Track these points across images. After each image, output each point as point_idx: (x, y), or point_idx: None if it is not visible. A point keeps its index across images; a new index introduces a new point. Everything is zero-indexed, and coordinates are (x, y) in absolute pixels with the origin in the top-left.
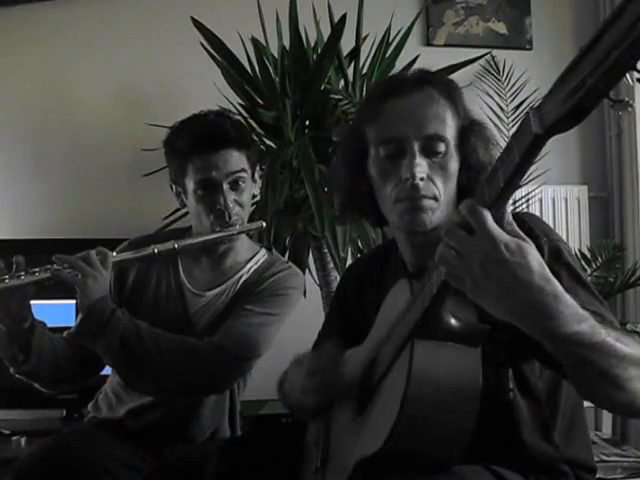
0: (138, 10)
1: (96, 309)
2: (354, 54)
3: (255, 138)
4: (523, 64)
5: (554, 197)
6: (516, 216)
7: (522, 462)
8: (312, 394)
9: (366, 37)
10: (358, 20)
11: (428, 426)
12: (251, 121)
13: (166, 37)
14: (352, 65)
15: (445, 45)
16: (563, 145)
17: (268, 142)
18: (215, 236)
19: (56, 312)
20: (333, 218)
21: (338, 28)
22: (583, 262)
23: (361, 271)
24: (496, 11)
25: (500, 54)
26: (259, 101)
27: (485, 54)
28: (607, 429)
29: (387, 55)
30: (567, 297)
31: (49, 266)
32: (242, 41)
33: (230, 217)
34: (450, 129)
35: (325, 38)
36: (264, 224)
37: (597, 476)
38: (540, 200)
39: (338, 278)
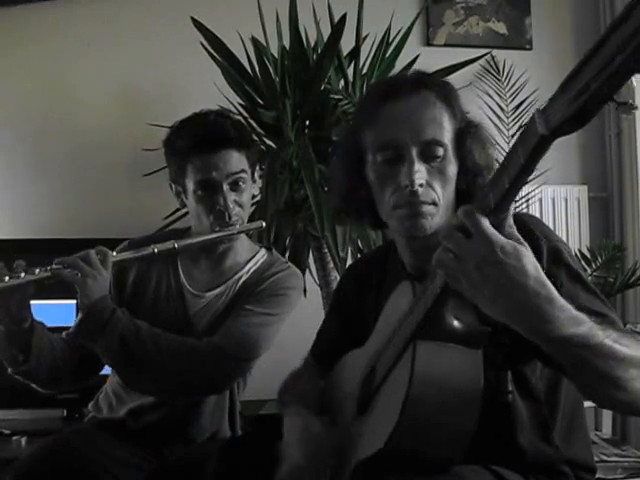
0: (138, 10)
1: (96, 309)
2: (354, 54)
3: (255, 138)
4: (523, 64)
5: (554, 197)
6: (515, 217)
7: (522, 463)
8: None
9: (366, 37)
10: (358, 20)
11: (430, 427)
12: (251, 121)
13: (166, 37)
14: (352, 65)
15: (445, 45)
16: (563, 145)
17: (268, 142)
18: (215, 236)
19: (56, 312)
20: (333, 218)
21: (338, 28)
22: (583, 262)
23: (361, 272)
24: (496, 11)
25: (500, 54)
26: (259, 101)
27: (485, 54)
28: (607, 429)
29: (387, 55)
30: (562, 301)
31: (49, 266)
32: (242, 41)
33: (230, 217)
34: (447, 133)
35: (325, 38)
36: (264, 224)
37: (597, 476)
38: (540, 200)
39: (338, 278)
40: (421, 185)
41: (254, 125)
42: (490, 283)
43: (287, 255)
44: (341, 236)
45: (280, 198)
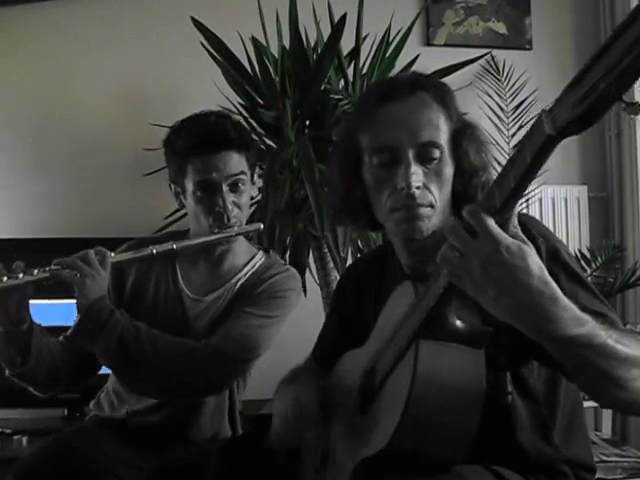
0: (138, 10)
1: (94, 309)
2: (354, 54)
3: (255, 138)
4: (523, 64)
5: (554, 197)
6: None
7: (522, 463)
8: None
9: (366, 37)
10: (358, 20)
11: (432, 427)
12: (251, 121)
13: (166, 37)
14: (352, 65)
15: (445, 45)
16: (563, 145)
17: (268, 142)
18: (213, 237)
19: (56, 312)
20: (333, 218)
21: (338, 28)
22: (583, 262)
23: (360, 272)
24: (496, 11)
25: (500, 54)
26: (259, 101)
27: (485, 54)
28: (607, 429)
29: (387, 55)
30: (566, 301)
31: (48, 267)
32: (242, 41)
33: (229, 219)
34: (444, 134)
35: (325, 38)
36: (262, 226)
37: (597, 476)
38: (540, 200)
39: (338, 278)
40: (418, 187)
41: (254, 125)
42: (494, 282)
43: (287, 255)
44: (341, 236)
45: (282, 199)
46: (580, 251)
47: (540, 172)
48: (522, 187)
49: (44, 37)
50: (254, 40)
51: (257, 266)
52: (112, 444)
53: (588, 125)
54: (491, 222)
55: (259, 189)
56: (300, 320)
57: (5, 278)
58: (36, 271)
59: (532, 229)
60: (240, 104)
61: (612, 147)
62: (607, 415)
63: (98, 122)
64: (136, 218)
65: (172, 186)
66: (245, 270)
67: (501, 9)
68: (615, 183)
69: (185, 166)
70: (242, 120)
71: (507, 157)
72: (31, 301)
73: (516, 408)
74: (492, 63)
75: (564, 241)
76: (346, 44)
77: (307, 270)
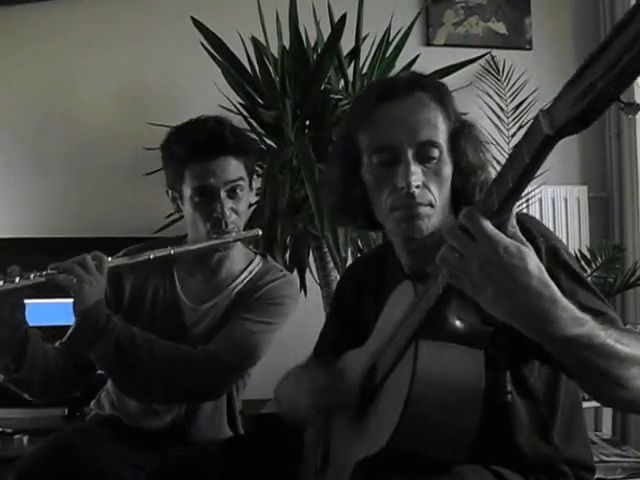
0: (138, 10)
1: (91, 314)
2: (354, 54)
3: (255, 138)
4: (523, 64)
5: (554, 197)
6: None
7: (521, 463)
8: (308, 396)
9: (366, 37)
10: (358, 20)
11: (431, 426)
12: (251, 121)
13: (166, 37)
14: (352, 65)
15: (445, 45)
16: (563, 145)
17: (268, 142)
18: (211, 243)
19: (56, 312)
20: (333, 218)
21: (338, 28)
22: (583, 262)
23: (360, 272)
24: (496, 11)
25: (500, 54)
26: (259, 101)
27: (485, 54)
28: (607, 429)
29: (387, 55)
30: (565, 301)
31: (44, 271)
32: (242, 41)
33: (227, 225)
34: (442, 134)
35: (325, 38)
36: (260, 232)
37: (597, 476)
38: (540, 200)
39: (338, 278)
40: (417, 187)
41: (254, 125)
42: (493, 283)
43: (287, 255)
44: (341, 236)
45: (282, 199)
46: (580, 251)
47: (540, 172)
48: (520, 187)
49: (44, 37)
50: (254, 40)
51: (254, 272)
52: (113, 443)
53: (586, 125)
54: (488, 224)
55: (257, 189)
56: (300, 319)
57: (1, 282)
58: (32, 275)
59: (532, 229)
60: (240, 104)
61: (612, 147)
62: (607, 415)
63: (98, 122)
64: (136, 218)
65: (169, 192)
66: (242, 276)
67: (501, 9)
68: (615, 183)
69: (183, 172)
70: (242, 120)
71: (507, 157)
72: (30, 300)
73: (516, 408)
74: (492, 63)
75: (564, 241)
76: (346, 44)
77: (307, 270)
